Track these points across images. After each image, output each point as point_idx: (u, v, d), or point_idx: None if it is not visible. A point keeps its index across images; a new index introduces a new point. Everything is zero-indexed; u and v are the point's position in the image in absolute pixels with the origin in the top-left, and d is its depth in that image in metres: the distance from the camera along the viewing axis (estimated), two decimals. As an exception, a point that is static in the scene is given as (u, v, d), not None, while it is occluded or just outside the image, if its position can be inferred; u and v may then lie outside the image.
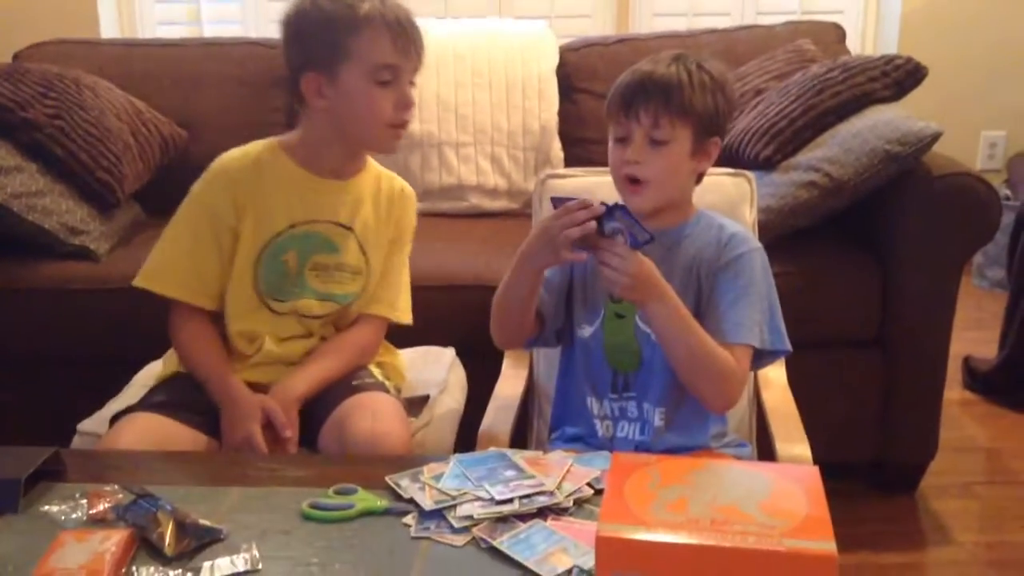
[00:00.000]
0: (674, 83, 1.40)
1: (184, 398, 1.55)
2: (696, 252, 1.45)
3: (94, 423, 1.62)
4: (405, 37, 1.53)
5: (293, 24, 1.56)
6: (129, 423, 1.49)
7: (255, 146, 1.64)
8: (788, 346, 1.44)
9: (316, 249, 1.61)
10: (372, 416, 1.50)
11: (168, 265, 1.61)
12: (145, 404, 1.55)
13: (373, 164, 1.71)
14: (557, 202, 1.36)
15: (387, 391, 1.61)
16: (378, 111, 1.54)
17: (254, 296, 1.60)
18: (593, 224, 1.31)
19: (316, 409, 1.56)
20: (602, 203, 1.32)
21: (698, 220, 1.49)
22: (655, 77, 1.41)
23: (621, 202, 1.34)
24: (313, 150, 1.61)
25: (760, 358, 1.45)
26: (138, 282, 1.61)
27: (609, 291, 1.37)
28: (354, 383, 1.59)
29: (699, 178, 1.50)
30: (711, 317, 1.40)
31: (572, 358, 1.53)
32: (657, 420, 1.44)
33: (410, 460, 1.31)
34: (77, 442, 1.58)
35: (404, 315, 1.73)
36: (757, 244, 1.47)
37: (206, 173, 1.63)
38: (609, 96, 1.46)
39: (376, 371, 1.68)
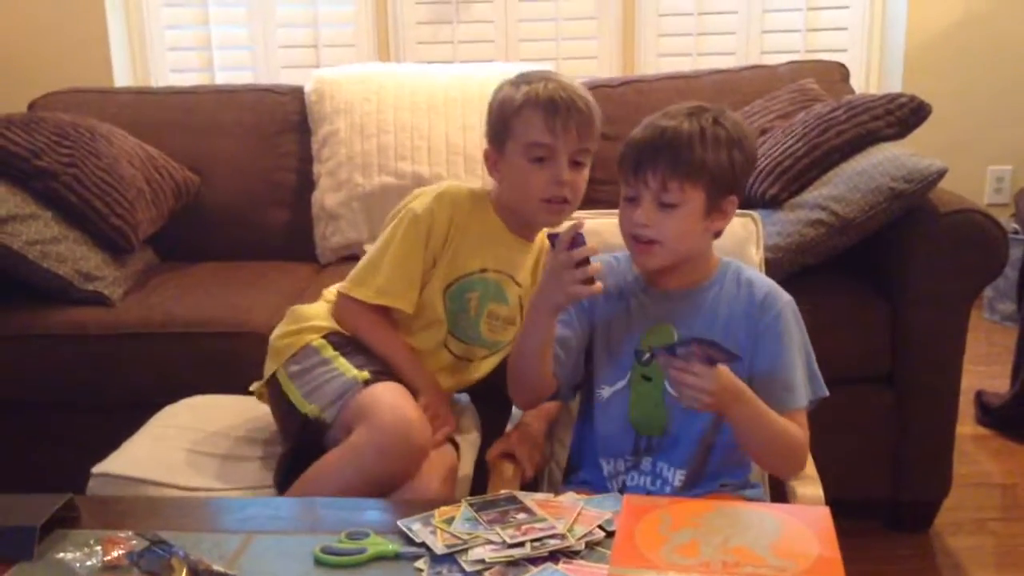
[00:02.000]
0: (684, 143, 1.37)
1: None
2: (729, 312, 1.44)
3: (109, 465, 1.62)
4: (557, 117, 1.62)
5: (488, 105, 1.72)
6: (383, 390, 1.58)
7: (471, 191, 1.78)
8: (826, 391, 1.44)
9: (493, 297, 1.74)
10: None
11: (403, 282, 1.70)
12: (376, 376, 1.62)
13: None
14: (553, 238, 1.36)
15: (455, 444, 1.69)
16: (531, 186, 1.66)
17: (442, 327, 1.73)
18: (592, 247, 1.32)
19: None
20: (682, 339, 1.32)
21: (723, 274, 1.47)
22: (667, 136, 1.38)
23: (696, 336, 1.30)
24: (504, 211, 1.74)
25: None
26: (375, 299, 1.70)
27: (688, 405, 1.32)
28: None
29: (717, 234, 1.48)
30: (762, 386, 1.38)
31: (590, 415, 1.50)
32: (676, 481, 1.42)
33: (421, 504, 1.31)
34: (92, 484, 1.59)
35: None
36: (787, 296, 1.46)
37: (429, 194, 1.73)
38: (621, 151, 1.44)
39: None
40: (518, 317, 1.77)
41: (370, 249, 1.76)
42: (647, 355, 1.35)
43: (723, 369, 1.29)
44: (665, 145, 1.38)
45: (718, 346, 1.26)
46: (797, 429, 1.38)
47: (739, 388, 1.32)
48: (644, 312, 1.47)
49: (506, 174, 1.70)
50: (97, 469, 1.61)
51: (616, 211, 1.49)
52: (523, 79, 1.69)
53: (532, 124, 1.64)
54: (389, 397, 1.57)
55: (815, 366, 1.44)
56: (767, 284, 1.48)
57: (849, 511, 1.27)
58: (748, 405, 1.33)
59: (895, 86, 3.61)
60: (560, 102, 1.62)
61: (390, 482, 1.51)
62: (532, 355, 1.43)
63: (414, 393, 1.63)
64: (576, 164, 1.66)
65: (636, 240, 1.42)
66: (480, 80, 2.80)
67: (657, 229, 1.39)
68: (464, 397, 1.91)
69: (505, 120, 1.67)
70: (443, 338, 1.74)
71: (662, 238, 1.40)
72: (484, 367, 1.81)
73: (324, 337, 1.70)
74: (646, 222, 1.39)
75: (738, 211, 1.76)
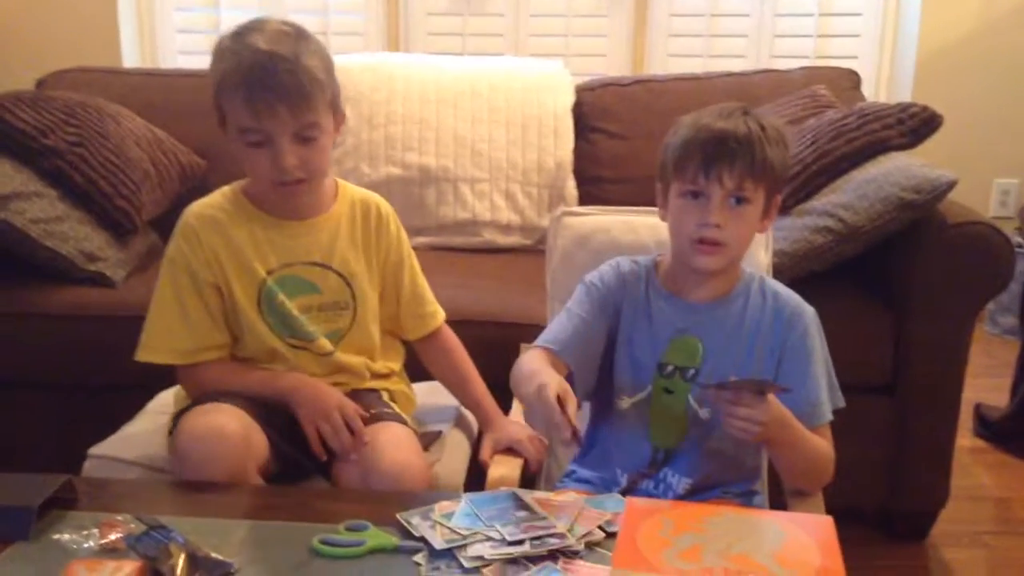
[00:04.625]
0: (756, 142, 1.33)
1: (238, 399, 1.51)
2: (755, 326, 1.43)
3: (106, 447, 1.62)
4: (260, 100, 1.42)
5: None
6: (209, 410, 1.45)
7: (219, 196, 1.61)
8: (843, 401, 1.45)
9: (298, 291, 1.58)
10: (392, 447, 1.50)
11: (163, 334, 1.58)
12: (210, 399, 1.49)
13: (347, 190, 1.66)
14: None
15: (404, 423, 1.61)
16: (256, 172, 1.50)
17: (277, 340, 1.58)
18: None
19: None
20: (737, 381, 1.30)
21: (748, 285, 1.46)
22: (738, 136, 1.33)
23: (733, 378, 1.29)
24: (265, 195, 1.57)
25: None
26: (140, 356, 1.59)
27: (739, 436, 1.31)
28: (373, 411, 1.58)
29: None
30: (787, 402, 1.36)
31: (607, 423, 1.48)
32: (681, 488, 1.42)
33: (421, 497, 1.31)
34: (88, 466, 1.58)
35: (440, 312, 1.76)
36: (811, 309, 1.45)
37: (175, 232, 1.59)
38: (676, 151, 1.38)
39: (389, 401, 1.67)
40: (349, 299, 1.60)
41: (150, 305, 1.60)
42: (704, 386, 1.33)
43: (772, 399, 1.28)
44: (739, 145, 1.33)
45: (768, 381, 1.28)
46: (826, 444, 1.40)
47: (785, 415, 1.32)
48: (667, 323, 1.44)
49: (235, 155, 1.51)
50: (94, 451, 1.61)
51: (632, 208, 1.47)
52: (233, 41, 1.46)
53: (236, 108, 1.44)
54: (180, 436, 1.44)
55: (834, 377, 1.45)
56: (792, 298, 1.46)
57: (845, 519, 1.27)
58: (791, 430, 1.33)
59: (904, 95, 3.61)
60: (259, 82, 1.41)
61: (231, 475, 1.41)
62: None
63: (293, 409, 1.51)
64: (304, 139, 1.47)
65: (702, 241, 1.37)
66: (489, 74, 2.79)
67: (727, 230, 1.36)
68: None
69: (216, 97, 1.48)
70: (288, 351, 1.58)
71: (729, 240, 1.37)
72: (351, 359, 1.63)
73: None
74: (720, 221, 1.35)
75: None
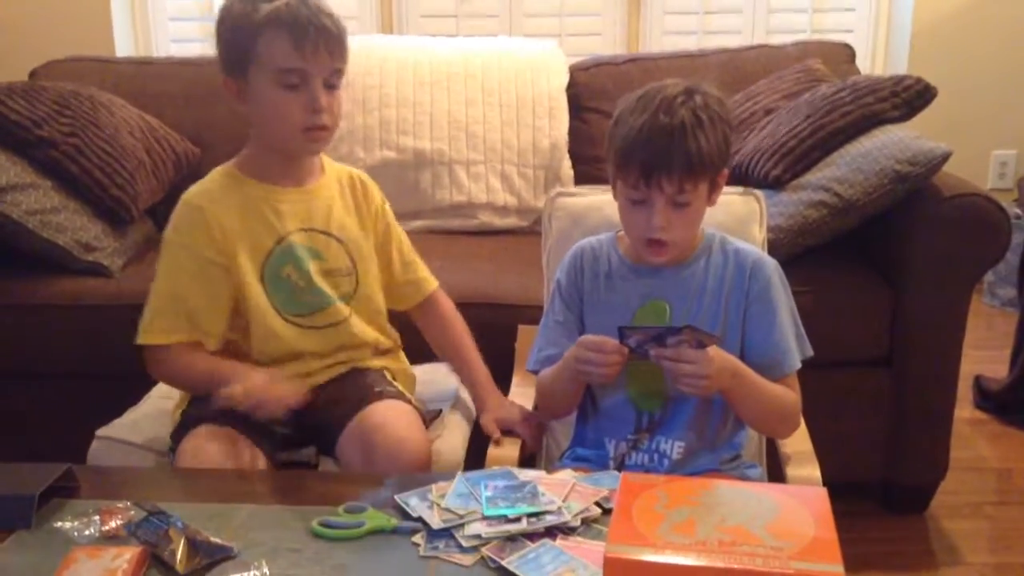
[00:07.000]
0: (691, 140, 1.32)
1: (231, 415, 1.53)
2: (718, 283, 1.45)
3: (113, 430, 1.64)
4: (307, 39, 1.47)
5: (216, 27, 1.55)
6: (203, 436, 1.48)
7: (214, 177, 1.63)
8: (811, 350, 1.46)
9: (308, 257, 1.60)
10: (392, 422, 1.51)
11: (160, 314, 1.58)
12: (207, 417, 1.51)
13: (329, 163, 1.71)
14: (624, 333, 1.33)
15: (407, 400, 1.62)
16: (287, 116, 1.52)
17: (277, 317, 1.59)
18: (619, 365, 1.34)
19: (335, 414, 1.55)
20: (669, 326, 1.35)
21: (709, 244, 1.48)
22: (674, 135, 1.32)
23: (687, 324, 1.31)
24: (263, 161, 1.60)
25: None
26: (141, 340, 1.59)
27: (689, 393, 1.35)
28: (376, 389, 1.59)
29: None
30: (755, 352, 1.41)
31: (591, 396, 1.50)
32: (675, 454, 1.43)
33: (419, 479, 1.31)
34: (95, 447, 1.60)
35: (433, 278, 1.80)
36: (773, 261, 1.48)
37: (174, 217, 1.60)
38: (617, 152, 1.38)
39: (392, 380, 1.68)
40: (350, 265, 1.64)
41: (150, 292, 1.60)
42: (635, 347, 1.34)
43: (714, 349, 1.31)
44: (676, 148, 1.32)
45: (699, 329, 1.29)
46: (790, 392, 1.42)
47: (734, 364, 1.35)
48: (634, 290, 1.47)
49: (254, 105, 1.54)
50: (101, 432, 1.63)
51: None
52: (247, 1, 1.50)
53: (278, 48, 1.48)
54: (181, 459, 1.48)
55: (801, 328, 1.46)
56: (753, 252, 1.49)
57: (845, 492, 1.28)
58: (744, 378, 1.36)
59: (900, 68, 3.60)
60: (307, 22, 1.47)
61: None
62: (561, 394, 1.49)
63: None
64: (330, 87, 1.53)
65: (650, 241, 1.40)
66: (483, 55, 2.78)
67: (672, 229, 1.38)
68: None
69: (243, 44, 1.50)
70: (290, 330, 1.59)
71: (676, 237, 1.40)
72: (361, 329, 1.65)
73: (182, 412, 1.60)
74: (664, 225, 1.37)
75: (742, 189, 1.78)
